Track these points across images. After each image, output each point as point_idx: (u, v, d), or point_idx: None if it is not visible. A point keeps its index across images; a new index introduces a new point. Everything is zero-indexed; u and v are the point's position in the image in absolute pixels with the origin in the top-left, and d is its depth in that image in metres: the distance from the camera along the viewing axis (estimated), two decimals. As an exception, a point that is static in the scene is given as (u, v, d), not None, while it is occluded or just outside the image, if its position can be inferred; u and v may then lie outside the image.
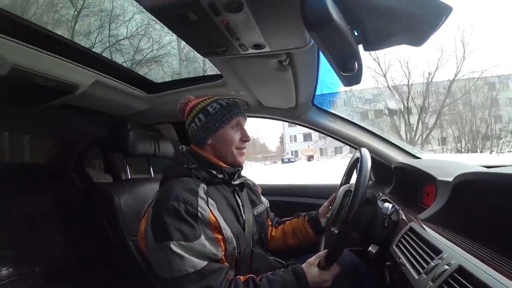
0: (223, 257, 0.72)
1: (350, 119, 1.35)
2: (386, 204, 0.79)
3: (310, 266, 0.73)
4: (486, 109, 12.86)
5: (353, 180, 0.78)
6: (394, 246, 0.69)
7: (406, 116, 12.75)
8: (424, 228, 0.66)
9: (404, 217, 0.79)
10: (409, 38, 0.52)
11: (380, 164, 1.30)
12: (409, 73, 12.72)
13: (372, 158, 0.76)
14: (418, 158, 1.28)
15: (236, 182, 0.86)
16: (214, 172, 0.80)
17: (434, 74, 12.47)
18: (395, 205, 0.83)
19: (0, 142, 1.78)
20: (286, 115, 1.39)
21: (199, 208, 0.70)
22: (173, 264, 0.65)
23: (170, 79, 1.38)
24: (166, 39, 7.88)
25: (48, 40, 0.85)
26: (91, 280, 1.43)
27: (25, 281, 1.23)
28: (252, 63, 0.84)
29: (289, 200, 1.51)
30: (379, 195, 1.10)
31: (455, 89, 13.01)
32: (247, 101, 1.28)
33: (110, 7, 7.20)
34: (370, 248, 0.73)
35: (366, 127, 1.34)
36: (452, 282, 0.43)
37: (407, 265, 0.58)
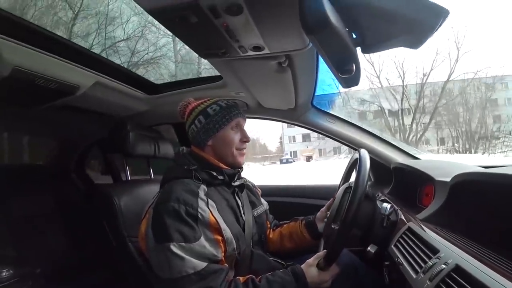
0: (223, 258, 0.73)
1: (349, 120, 1.36)
2: (385, 204, 0.79)
3: (309, 267, 0.73)
4: (480, 110, 12.91)
5: (353, 179, 0.79)
6: (392, 246, 0.70)
7: (400, 117, 12.79)
8: (422, 228, 0.66)
9: (402, 217, 0.79)
10: (406, 41, 0.53)
11: (379, 164, 1.31)
12: (403, 74, 12.79)
13: (371, 159, 0.77)
14: (417, 158, 1.29)
15: (236, 184, 0.87)
16: (214, 174, 0.81)
17: (429, 75, 12.53)
18: (394, 205, 0.84)
19: (1, 143, 1.78)
20: (285, 116, 1.39)
21: (199, 209, 0.71)
22: (173, 265, 0.65)
23: (169, 81, 1.39)
24: (163, 41, 7.98)
25: (49, 41, 0.86)
26: (91, 281, 1.43)
27: (25, 282, 1.23)
28: (252, 64, 0.85)
29: (287, 201, 1.51)
30: (378, 195, 1.11)
31: (449, 90, 13.06)
32: (247, 102, 1.29)
33: (107, 9, 7.25)
34: (369, 248, 0.74)
35: (365, 128, 1.35)
36: (449, 281, 0.43)
37: (405, 264, 0.58)
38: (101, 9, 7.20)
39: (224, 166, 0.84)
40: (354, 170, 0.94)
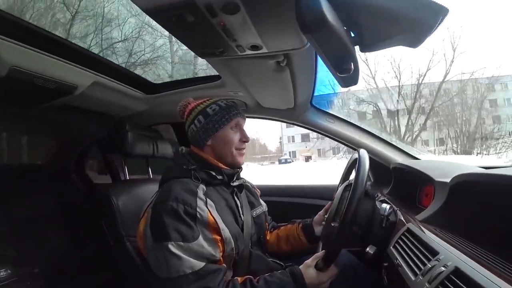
0: (221, 258, 0.72)
1: (348, 120, 1.35)
2: (384, 205, 0.79)
3: (308, 268, 0.72)
4: (477, 111, 12.92)
5: (352, 177, 0.78)
6: (391, 247, 0.69)
7: (396, 117, 12.81)
8: (421, 229, 0.65)
9: (402, 218, 0.79)
10: (405, 40, 0.52)
11: (379, 164, 1.30)
12: (400, 75, 12.79)
13: (371, 159, 0.76)
14: (416, 158, 1.28)
15: (235, 184, 0.87)
16: (214, 173, 0.81)
17: (425, 75, 12.52)
18: (393, 206, 0.83)
19: (0, 143, 1.78)
20: (284, 115, 1.39)
21: (198, 209, 0.70)
22: (171, 265, 0.65)
23: (168, 80, 1.38)
24: (159, 42, 8.06)
25: (46, 41, 0.85)
26: (90, 281, 1.43)
27: (24, 282, 1.23)
28: (250, 64, 0.85)
29: (286, 201, 1.51)
30: (377, 195, 1.10)
31: (448, 90, 13.05)
32: (245, 102, 1.28)
33: (103, 11, 7.30)
34: (368, 249, 0.73)
35: (365, 128, 1.34)
36: (448, 283, 0.43)
37: (404, 266, 0.57)
38: (98, 10, 7.30)
39: (223, 166, 0.84)
40: (354, 170, 0.93)
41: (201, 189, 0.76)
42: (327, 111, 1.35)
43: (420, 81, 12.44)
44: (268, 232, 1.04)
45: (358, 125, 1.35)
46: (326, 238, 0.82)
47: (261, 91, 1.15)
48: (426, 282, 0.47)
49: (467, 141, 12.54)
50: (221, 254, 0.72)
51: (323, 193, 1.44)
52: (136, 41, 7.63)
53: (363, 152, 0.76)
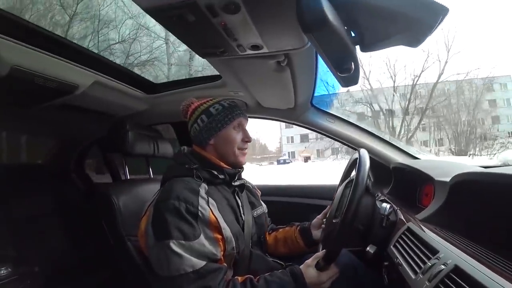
0: (222, 257, 0.73)
1: (349, 120, 1.35)
2: (384, 204, 0.79)
3: (308, 267, 0.72)
4: (472, 111, 12.96)
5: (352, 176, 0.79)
6: (391, 246, 0.69)
7: (389, 118, 12.84)
8: (421, 228, 0.66)
9: (402, 217, 0.79)
10: (406, 39, 0.53)
11: (379, 164, 1.30)
12: (395, 76, 12.83)
13: (371, 159, 0.76)
14: (416, 158, 1.28)
15: (237, 183, 0.87)
16: (215, 173, 0.81)
17: (419, 76, 12.56)
18: (393, 205, 0.83)
19: (0, 143, 1.79)
20: (285, 115, 1.39)
21: (199, 208, 0.71)
22: (172, 263, 0.65)
23: (169, 80, 1.39)
24: (156, 44, 8.23)
25: (47, 40, 0.86)
26: (90, 281, 1.43)
27: (24, 281, 1.23)
28: (251, 64, 0.85)
29: (286, 201, 1.51)
30: (377, 195, 1.10)
31: (440, 91, 13.09)
32: (246, 101, 1.28)
33: (99, 14, 7.41)
34: (368, 248, 0.73)
35: (365, 128, 1.34)
36: (448, 282, 0.43)
37: (404, 265, 0.58)
38: (95, 13, 7.41)
39: (225, 166, 0.84)
40: (354, 170, 0.94)
41: (203, 188, 0.76)
42: (327, 111, 1.35)
43: (414, 82, 12.48)
44: (267, 234, 1.04)
45: (359, 125, 1.35)
46: (327, 236, 0.82)
47: (261, 91, 1.15)
48: (426, 280, 0.47)
49: (460, 142, 12.59)
50: (222, 253, 0.73)
51: (323, 193, 1.44)
52: (133, 43, 7.74)
53: (364, 152, 0.76)
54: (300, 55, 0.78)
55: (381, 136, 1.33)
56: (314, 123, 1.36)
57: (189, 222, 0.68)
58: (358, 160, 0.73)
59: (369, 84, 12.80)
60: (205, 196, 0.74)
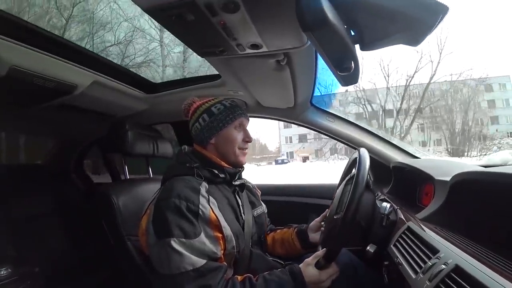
0: (222, 256, 0.73)
1: (348, 119, 1.35)
2: (384, 204, 0.79)
3: (307, 266, 0.72)
4: (464, 111, 13.04)
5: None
6: (392, 246, 0.69)
7: (382, 119, 12.88)
8: (421, 228, 0.66)
9: (402, 217, 0.79)
10: (405, 38, 0.52)
11: (379, 163, 1.30)
12: (388, 76, 12.88)
13: (371, 158, 0.76)
14: (416, 157, 1.28)
15: (237, 183, 0.87)
16: (216, 172, 0.81)
17: (413, 76, 12.62)
18: (393, 204, 0.83)
19: (0, 143, 1.78)
20: (284, 115, 1.39)
21: (200, 206, 0.71)
22: (172, 261, 0.65)
23: (168, 80, 1.39)
24: (151, 46, 8.41)
25: (46, 40, 0.86)
26: (91, 280, 1.43)
27: (24, 281, 1.23)
28: (250, 63, 0.85)
29: (285, 200, 1.51)
30: (377, 194, 1.10)
31: (434, 91, 13.14)
32: (246, 101, 1.28)
33: (98, 16, 7.60)
34: (368, 247, 0.73)
35: (365, 127, 1.34)
36: (448, 281, 0.43)
37: (405, 264, 0.57)
38: (91, 15, 7.58)
39: (226, 165, 0.84)
40: (354, 169, 0.93)
41: (204, 186, 0.76)
42: (327, 110, 1.35)
43: (408, 83, 12.54)
44: (266, 234, 1.04)
45: (358, 124, 1.35)
46: (328, 234, 0.82)
47: (261, 90, 1.15)
48: (427, 280, 0.47)
49: (455, 143, 12.66)
50: (222, 252, 0.73)
51: (322, 192, 1.45)
52: (128, 45, 7.92)
53: (364, 151, 0.76)
54: (299, 54, 0.78)
55: (381, 135, 1.33)
56: (314, 122, 1.36)
57: (190, 220, 0.68)
58: (358, 159, 0.73)
59: (360, 85, 12.84)
60: (206, 195, 0.74)
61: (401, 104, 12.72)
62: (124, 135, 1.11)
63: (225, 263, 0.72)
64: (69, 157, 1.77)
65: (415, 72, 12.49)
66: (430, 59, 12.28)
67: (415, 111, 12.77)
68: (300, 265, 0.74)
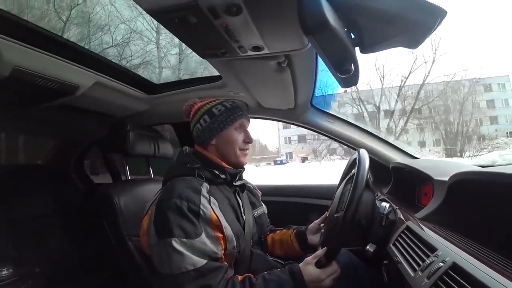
0: (223, 256, 0.73)
1: (348, 120, 1.36)
2: (384, 204, 0.80)
3: (307, 265, 0.73)
4: (460, 112, 13.11)
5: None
6: (391, 245, 0.70)
7: (377, 119, 12.96)
8: (420, 227, 0.66)
9: (401, 216, 0.80)
10: (405, 41, 0.53)
11: (378, 164, 1.31)
12: (383, 77, 12.98)
13: (370, 158, 0.77)
14: (416, 158, 1.29)
15: (238, 183, 0.88)
16: (217, 172, 0.82)
17: (408, 77, 12.71)
18: (393, 204, 0.84)
19: (0, 143, 1.78)
20: (285, 116, 1.39)
21: (201, 206, 0.71)
22: (173, 261, 0.66)
23: (169, 81, 1.39)
24: (147, 48, 8.50)
25: (49, 41, 0.86)
26: (91, 281, 1.43)
27: (25, 281, 1.23)
28: (251, 64, 0.85)
29: (285, 201, 1.52)
30: (377, 195, 1.11)
31: (429, 92, 13.19)
32: (246, 102, 1.29)
33: (95, 18, 7.71)
34: (368, 247, 0.74)
35: (364, 128, 1.35)
36: (446, 279, 0.44)
37: (404, 263, 0.58)
38: (89, 18, 7.69)
39: (227, 166, 0.85)
40: (354, 169, 0.94)
41: (205, 187, 0.77)
42: (327, 111, 1.36)
43: (402, 84, 12.62)
44: (266, 234, 1.05)
45: (358, 125, 1.36)
46: (328, 234, 0.82)
47: (262, 91, 1.16)
48: (425, 277, 0.48)
49: (449, 143, 12.74)
50: (223, 252, 0.73)
51: (322, 192, 1.45)
52: (126, 46, 8.05)
53: (363, 151, 0.77)
54: (300, 56, 0.79)
55: (380, 136, 1.34)
56: (314, 123, 1.36)
57: (191, 220, 0.69)
58: (357, 159, 0.74)
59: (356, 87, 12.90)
60: (207, 195, 0.75)
61: (395, 105, 12.84)
62: (125, 136, 1.11)
63: (225, 263, 0.73)
64: (70, 157, 1.77)
65: (410, 73, 12.61)
66: (424, 60, 12.38)
67: (409, 111, 12.86)
68: (300, 265, 0.74)
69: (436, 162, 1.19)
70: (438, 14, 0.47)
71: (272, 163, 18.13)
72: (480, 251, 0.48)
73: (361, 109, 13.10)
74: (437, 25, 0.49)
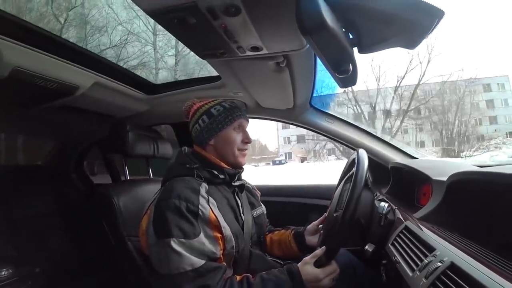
0: (222, 256, 0.73)
1: (347, 120, 1.36)
2: (383, 204, 0.80)
3: (305, 265, 0.73)
4: (454, 113, 13.16)
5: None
6: (390, 245, 0.70)
7: (372, 120, 13.03)
8: (419, 227, 0.67)
9: (400, 216, 0.80)
10: (402, 41, 0.54)
11: (378, 164, 1.32)
12: (379, 78, 13.03)
13: (369, 159, 0.77)
14: (415, 158, 1.29)
15: (237, 184, 0.88)
16: (216, 172, 0.82)
17: (403, 78, 12.78)
18: (392, 204, 0.84)
19: (0, 144, 1.78)
20: (284, 116, 1.40)
21: (200, 206, 0.71)
22: (172, 261, 0.66)
23: (169, 81, 1.39)
24: (146, 48, 8.69)
25: (49, 41, 0.86)
26: (91, 281, 1.44)
27: (25, 281, 1.24)
28: (250, 64, 0.86)
29: (284, 201, 1.52)
30: (376, 194, 1.11)
31: (426, 92, 13.22)
32: (245, 102, 1.29)
33: (92, 20, 7.89)
34: (366, 247, 0.74)
35: (364, 128, 1.35)
36: (444, 278, 0.44)
37: (402, 262, 0.59)
38: (86, 20, 7.83)
39: (225, 166, 0.85)
40: (353, 169, 0.95)
41: (204, 187, 0.77)
42: (326, 111, 1.36)
43: (398, 84, 12.69)
44: (264, 234, 1.05)
45: (357, 125, 1.36)
46: (327, 233, 0.83)
47: (261, 91, 1.16)
48: (423, 277, 0.48)
49: (447, 143, 12.78)
50: (222, 252, 0.73)
51: (321, 192, 1.46)
52: (123, 48, 8.21)
53: (362, 151, 0.77)
54: (299, 56, 0.79)
55: (379, 136, 1.34)
56: (313, 123, 1.37)
57: (190, 220, 0.69)
58: (356, 159, 0.74)
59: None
60: (206, 195, 0.75)
61: (391, 105, 12.88)
62: (125, 136, 1.11)
63: (224, 263, 0.73)
64: (69, 157, 1.78)
65: (406, 73, 12.69)
66: (419, 60, 12.44)
67: (405, 111, 12.91)
68: (298, 264, 0.74)
69: (435, 162, 1.20)
70: (435, 15, 0.48)
71: (271, 163, 18.12)
72: (478, 251, 0.48)
73: (357, 109, 13.15)
74: (435, 26, 0.49)
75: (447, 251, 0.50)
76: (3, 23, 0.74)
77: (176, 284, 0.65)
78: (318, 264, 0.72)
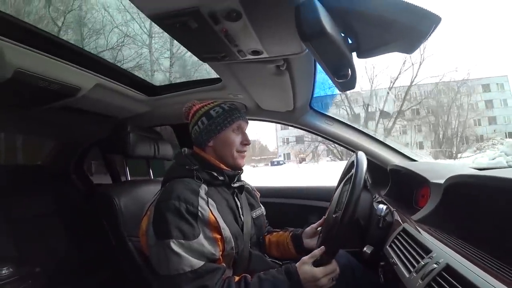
0: (221, 257, 0.74)
1: (347, 122, 1.37)
2: (381, 206, 0.81)
3: (303, 264, 0.73)
4: (447, 114, 13.21)
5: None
6: (387, 247, 0.71)
7: (364, 120, 13.12)
8: (416, 229, 0.67)
9: (398, 218, 0.81)
10: (400, 46, 0.55)
11: (377, 166, 1.32)
12: (372, 80, 13.11)
13: (368, 161, 0.78)
14: (414, 160, 1.30)
15: (236, 185, 0.88)
16: (215, 174, 0.83)
17: (396, 79, 12.90)
18: (390, 206, 0.85)
19: (1, 143, 1.79)
20: (284, 118, 1.40)
21: (199, 208, 0.72)
22: (171, 262, 0.66)
23: (169, 83, 1.40)
24: (140, 51, 8.84)
25: (51, 43, 0.87)
26: (91, 281, 1.44)
27: (25, 281, 1.24)
28: (251, 67, 0.87)
29: (283, 202, 1.52)
30: (375, 196, 1.12)
31: (425, 93, 13.26)
32: (245, 104, 1.30)
33: (89, 22, 8.08)
34: (365, 248, 0.75)
35: (363, 130, 1.36)
36: (440, 280, 0.45)
37: (399, 264, 0.59)
38: (83, 22, 8.00)
39: (225, 167, 0.86)
40: (352, 171, 0.95)
41: (203, 188, 0.77)
42: (325, 113, 1.37)
43: (391, 85, 12.75)
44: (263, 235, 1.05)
45: (356, 127, 1.37)
46: (326, 234, 0.83)
47: (261, 94, 1.17)
48: (419, 279, 0.49)
49: (445, 144, 12.83)
50: (221, 253, 0.74)
51: (320, 194, 1.46)
52: (120, 50, 8.37)
53: (361, 153, 0.78)
54: (299, 60, 0.80)
55: (378, 139, 1.35)
56: (313, 125, 1.37)
57: (189, 222, 0.70)
58: (355, 161, 0.75)
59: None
60: (205, 197, 0.76)
61: (384, 106, 12.96)
62: (125, 137, 1.12)
63: (223, 264, 0.74)
64: (70, 158, 1.78)
65: (399, 74, 12.77)
66: (411, 60, 12.53)
67: (397, 112, 12.98)
68: (297, 264, 0.74)
69: (433, 164, 1.20)
70: (433, 20, 0.49)
71: (269, 164, 18.11)
72: (473, 253, 0.49)
73: (350, 111, 13.22)
74: (432, 31, 0.50)
75: (443, 253, 0.51)
76: (5, 25, 0.74)
77: (175, 284, 0.66)
78: (316, 263, 0.72)
